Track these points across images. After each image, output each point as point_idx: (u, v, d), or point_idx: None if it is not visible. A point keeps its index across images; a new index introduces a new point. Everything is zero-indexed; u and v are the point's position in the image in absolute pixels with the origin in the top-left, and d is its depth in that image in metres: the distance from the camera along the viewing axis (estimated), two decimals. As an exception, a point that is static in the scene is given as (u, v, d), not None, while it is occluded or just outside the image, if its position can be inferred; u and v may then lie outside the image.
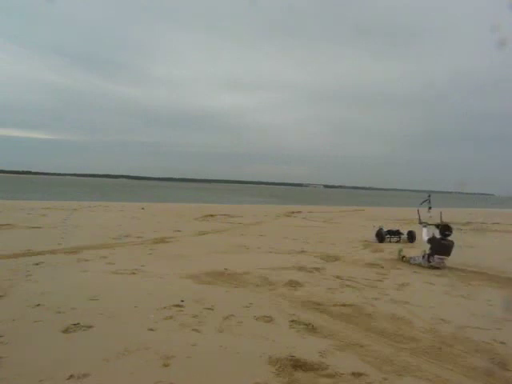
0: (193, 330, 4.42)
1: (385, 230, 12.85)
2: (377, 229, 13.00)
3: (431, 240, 8.74)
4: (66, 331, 4.22)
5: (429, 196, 9.53)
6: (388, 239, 12.56)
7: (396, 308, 5.55)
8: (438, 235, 8.71)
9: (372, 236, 12.86)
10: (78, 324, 4.40)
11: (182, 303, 5.30)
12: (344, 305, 5.56)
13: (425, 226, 9.38)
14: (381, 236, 12.58)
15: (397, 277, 7.67)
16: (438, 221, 9.10)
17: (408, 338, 4.44)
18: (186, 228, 14.10)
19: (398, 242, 12.45)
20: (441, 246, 8.50)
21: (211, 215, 19.67)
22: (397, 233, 12.91)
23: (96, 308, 5.00)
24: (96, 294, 5.56)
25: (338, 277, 7.32)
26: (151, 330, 4.37)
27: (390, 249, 10.81)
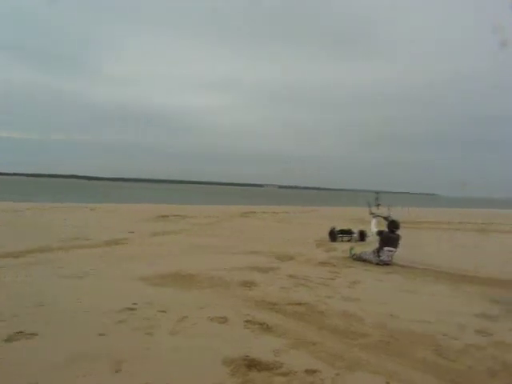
0: (146, 333, 4.32)
1: (337, 229, 13.17)
2: (329, 228, 13.29)
3: (380, 232, 9.27)
4: (8, 340, 4.00)
5: (377, 193, 10.07)
6: (340, 238, 12.88)
7: (348, 305, 5.70)
8: (386, 227, 9.28)
9: (325, 235, 13.13)
10: (22, 332, 4.18)
11: (134, 306, 5.17)
12: (298, 303, 5.63)
13: (374, 217, 9.90)
14: (333, 235, 12.88)
15: (349, 275, 7.88)
16: (387, 213, 9.75)
17: (359, 333, 4.56)
18: (140, 229, 13.78)
19: (349, 240, 12.78)
20: (389, 238, 9.03)
21: (166, 216, 19.34)
22: (348, 232, 13.26)
23: (42, 314, 4.78)
24: (42, 300, 5.31)
25: (292, 276, 7.41)
26: (102, 334, 4.23)
27: (342, 247, 11.07)
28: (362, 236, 12.92)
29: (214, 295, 5.96)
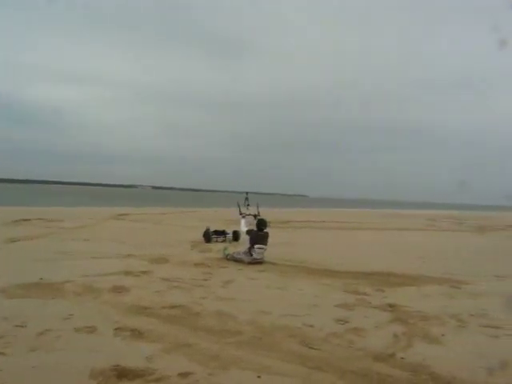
0: (-2, 352, 3.84)
1: (211, 230, 13.32)
2: (204, 229, 13.37)
3: (249, 232, 9.69)
4: None
5: (247, 194, 10.59)
6: (215, 239, 13.04)
7: (222, 305, 5.79)
8: (255, 226, 9.73)
9: (200, 237, 13.17)
10: None
11: (-17, 323, 4.57)
12: (172, 306, 5.56)
13: (243, 217, 10.37)
14: (208, 236, 12.98)
15: (223, 275, 8.03)
16: (255, 212, 10.31)
17: (233, 332, 4.67)
18: (-8, 235, 12.21)
19: (223, 241, 12.99)
20: (258, 236, 9.44)
21: (27, 219, 17.41)
22: (223, 233, 13.50)
23: None
24: None
25: (166, 279, 7.28)
26: None
27: (217, 248, 11.21)
28: (236, 236, 13.24)
29: (82, 304, 5.57)
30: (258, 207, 10.43)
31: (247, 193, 10.78)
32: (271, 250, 9.61)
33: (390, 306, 6.06)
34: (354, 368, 3.80)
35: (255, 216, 10.14)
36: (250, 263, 9.19)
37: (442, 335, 4.80)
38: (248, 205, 10.52)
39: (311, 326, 4.99)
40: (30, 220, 17.34)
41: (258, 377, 3.56)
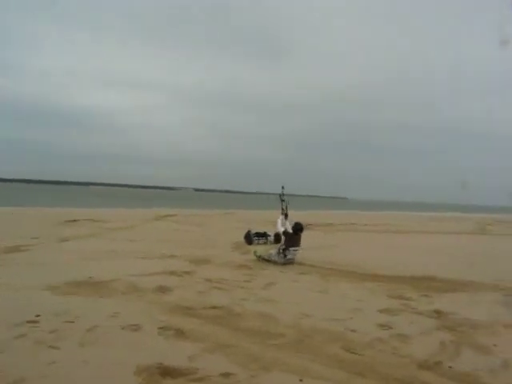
0: (50, 346, 4.02)
1: (253, 232, 13.35)
2: (245, 231, 13.41)
3: (285, 233, 9.81)
4: None
5: (282, 188, 10.59)
6: (256, 241, 13.05)
7: (263, 307, 5.79)
8: (284, 223, 10.01)
9: (241, 238, 13.23)
10: None
11: (37, 318, 4.79)
12: (214, 307, 5.62)
13: (282, 214, 10.35)
14: (249, 238, 13.01)
15: (264, 277, 8.03)
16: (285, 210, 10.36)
17: (274, 334, 4.66)
18: (45, 234, 12.82)
19: (265, 243, 12.98)
20: (293, 239, 9.61)
21: (75, 220, 18.20)
22: (264, 235, 13.50)
23: None
24: None
25: (208, 280, 7.37)
26: (-2, 351, 3.86)
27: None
28: (278, 238, 13.18)
29: (127, 302, 5.73)
30: (287, 206, 10.42)
31: (283, 187, 10.71)
32: (313, 252, 9.53)
33: (437, 312, 5.85)
34: (398, 375, 3.69)
35: (286, 215, 10.22)
36: (284, 264, 9.28)
37: (494, 345, 4.58)
38: (283, 200, 10.48)
39: (354, 330, 4.90)
40: (78, 221, 18.09)
41: (300, 380, 3.53)
